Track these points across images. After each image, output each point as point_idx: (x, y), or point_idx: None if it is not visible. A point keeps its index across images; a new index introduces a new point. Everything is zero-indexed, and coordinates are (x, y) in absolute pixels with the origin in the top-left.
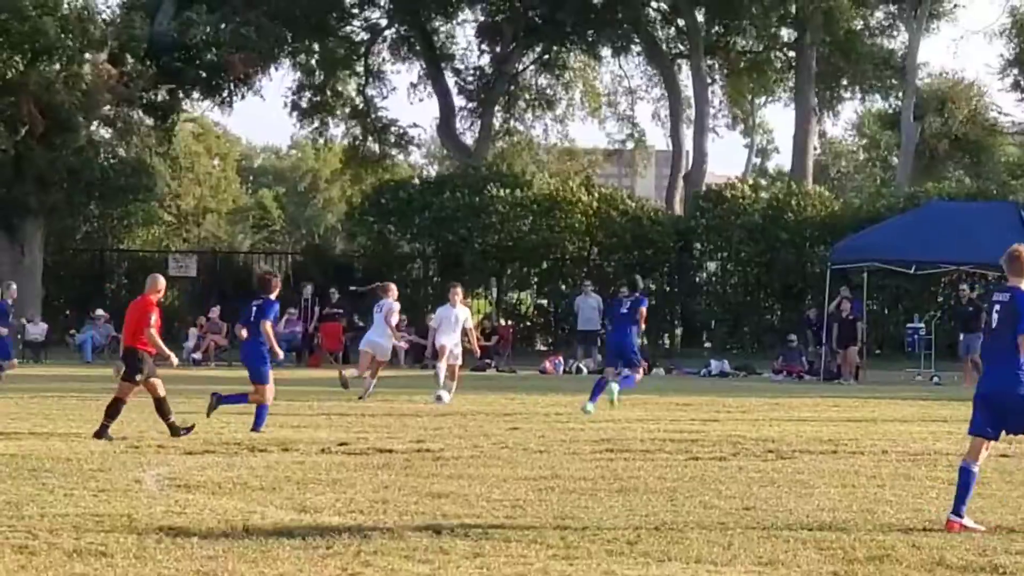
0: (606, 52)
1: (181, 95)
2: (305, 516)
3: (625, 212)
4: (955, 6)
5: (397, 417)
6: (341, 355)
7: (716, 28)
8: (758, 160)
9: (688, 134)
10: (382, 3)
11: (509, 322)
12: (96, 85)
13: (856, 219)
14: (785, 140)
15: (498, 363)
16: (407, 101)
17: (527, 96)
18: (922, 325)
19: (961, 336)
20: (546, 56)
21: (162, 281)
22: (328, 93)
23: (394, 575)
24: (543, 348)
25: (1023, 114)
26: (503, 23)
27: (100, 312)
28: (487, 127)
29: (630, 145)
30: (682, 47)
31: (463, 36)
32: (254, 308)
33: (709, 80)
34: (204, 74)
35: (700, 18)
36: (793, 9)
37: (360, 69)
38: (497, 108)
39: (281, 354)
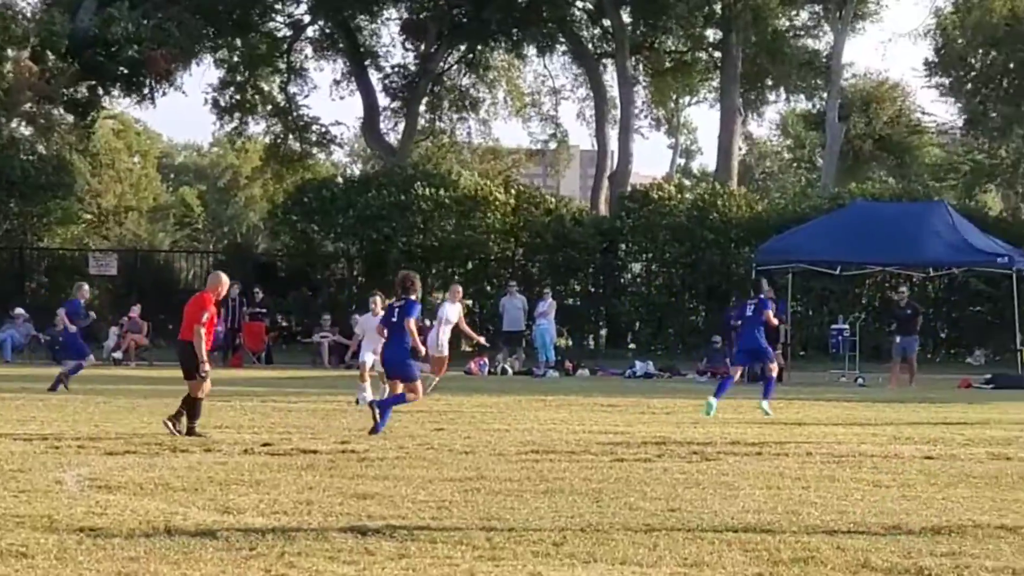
0: (531, 51)
1: (102, 92)
2: (228, 517)
3: (548, 212)
4: (880, 7)
5: (321, 418)
6: (264, 355)
7: (641, 28)
8: (683, 161)
9: (613, 134)
10: None
11: (433, 322)
12: (17, 82)
13: (781, 220)
14: (710, 141)
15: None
16: (329, 99)
17: (451, 95)
18: (847, 326)
19: (897, 338)
20: (470, 55)
21: (225, 280)
22: (249, 90)
23: None
24: (468, 349)
25: (947, 115)
26: (427, 21)
27: (20, 311)
28: (411, 126)
29: (553, 145)
30: (607, 47)
31: (387, 34)
32: (396, 309)
33: (634, 80)
34: (125, 70)
35: (626, 18)
36: (719, 9)
37: (282, 66)
38: (421, 107)
39: (423, 351)
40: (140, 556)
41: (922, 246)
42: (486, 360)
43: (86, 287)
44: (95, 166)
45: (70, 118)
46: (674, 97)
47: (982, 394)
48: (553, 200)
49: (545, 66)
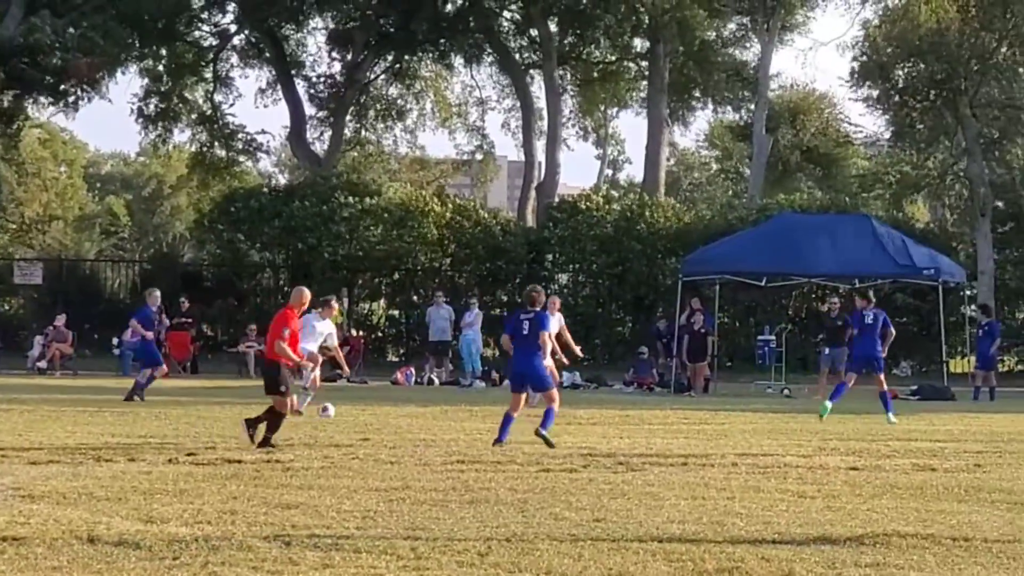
0: (458, 62)
1: (27, 100)
2: (152, 527)
3: (478, 223)
4: (807, 19)
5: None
6: (190, 364)
7: (569, 38)
8: (610, 171)
9: (540, 145)
10: (231, 8)
11: (360, 333)
12: None
13: (708, 231)
14: (638, 151)
15: (349, 374)
16: (255, 108)
17: (378, 105)
18: (773, 337)
19: (827, 349)
20: (397, 65)
21: (307, 294)
22: (175, 99)
23: None
24: (395, 359)
25: (873, 126)
26: (354, 31)
27: None
28: (338, 136)
29: (480, 156)
30: (535, 57)
31: (314, 43)
32: (526, 321)
33: (561, 90)
34: (50, 79)
35: (553, 28)
36: (646, 19)
37: (208, 75)
38: (348, 117)
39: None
40: (63, 565)
41: (848, 258)
42: (412, 370)
43: (157, 293)
44: (20, 175)
45: None
46: (602, 107)
47: (908, 405)
48: (485, 214)
49: (472, 76)
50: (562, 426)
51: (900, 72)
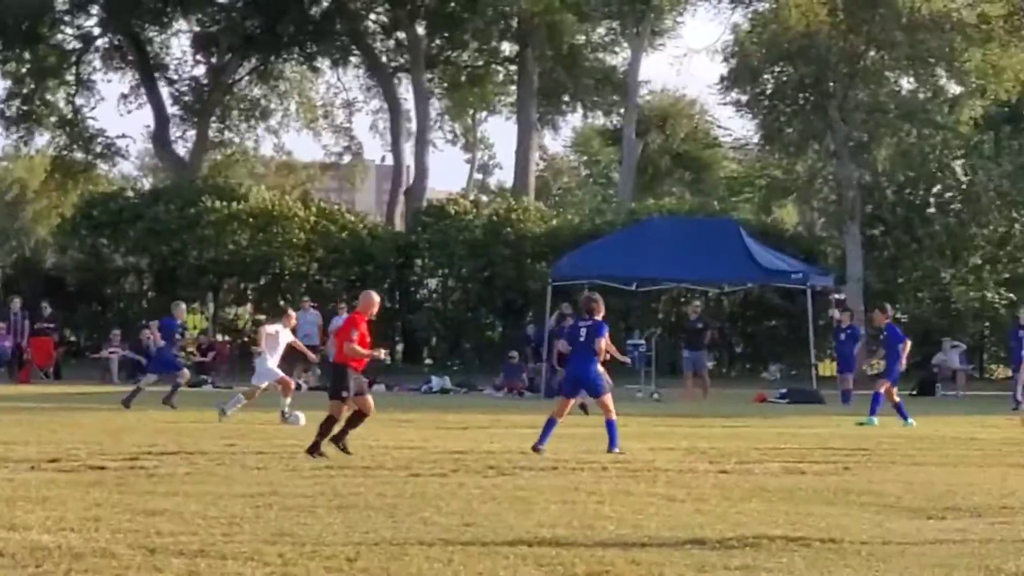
0: (324, 64)
1: None
2: (14, 534)
3: (345, 227)
4: (677, 24)
5: (110, 433)
6: (52, 370)
7: (437, 41)
8: (480, 175)
9: (409, 148)
10: (94, 11)
11: (226, 338)
12: None
13: (577, 235)
14: (507, 155)
15: (215, 379)
16: (117, 112)
17: (242, 106)
18: (643, 342)
19: (686, 352)
20: (262, 67)
21: (376, 299)
22: (37, 102)
23: None
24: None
25: (743, 130)
26: (219, 35)
27: None
28: (202, 138)
29: (347, 158)
30: (403, 60)
31: (178, 46)
32: (583, 328)
33: (429, 94)
34: None
35: (421, 31)
36: (515, 23)
37: (70, 78)
38: (212, 119)
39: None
40: None
41: (716, 263)
42: None
43: (183, 306)
44: None
45: None
46: (471, 111)
47: (777, 408)
48: (352, 218)
49: (339, 79)
50: (431, 431)
51: (770, 76)
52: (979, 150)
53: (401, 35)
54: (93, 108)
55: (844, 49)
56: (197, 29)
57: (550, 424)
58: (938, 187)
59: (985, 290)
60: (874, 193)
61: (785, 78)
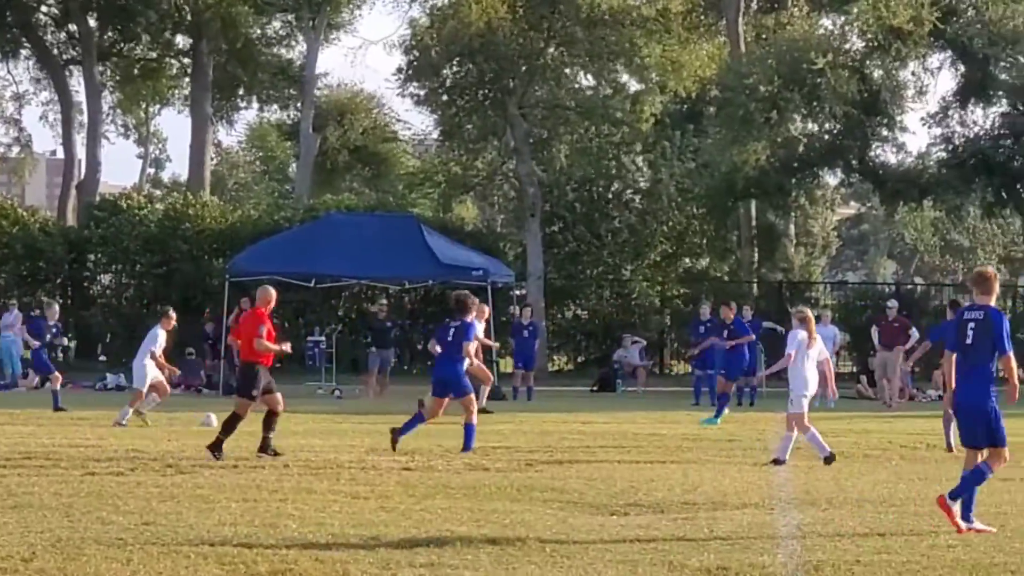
0: None
1: None
2: None
3: (16, 222)
4: (354, 18)
5: None
6: None
7: (110, 34)
8: (153, 170)
9: (81, 141)
10: None
11: None
12: None
13: (255, 231)
14: (182, 149)
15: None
16: None
17: None
18: (323, 338)
19: (373, 349)
20: None
21: (272, 293)
22: None
23: None
24: None
25: (422, 124)
26: None
27: None
28: None
29: (16, 151)
30: (74, 52)
31: None
32: (452, 328)
33: (102, 86)
34: None
35: (93, 23)
36: (189, 16)
37: None
38: None
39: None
40: None
41: (396, 260)
42: None
43: (56, 307)
44: None
45: None
46: (144, 105)
47: (459, 406)
48: (23, 211)
49: (9, 72)
50: (107, 428)
51: (448, 71)
52: (661, 149)
53: (73, 27)
54: None
55: (524, 46)
56: None
57: (417, 419)
58: (617, 184)
59: (665, 285)
60: (554, 190)
61: (463, 73)
